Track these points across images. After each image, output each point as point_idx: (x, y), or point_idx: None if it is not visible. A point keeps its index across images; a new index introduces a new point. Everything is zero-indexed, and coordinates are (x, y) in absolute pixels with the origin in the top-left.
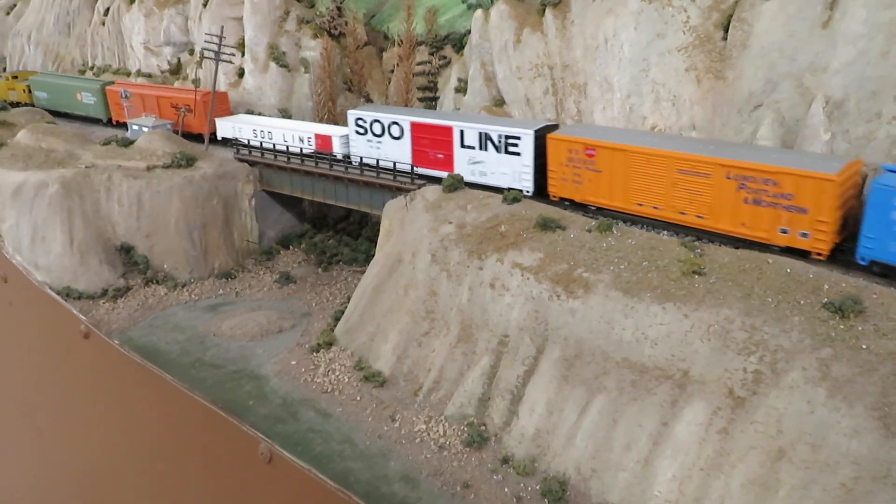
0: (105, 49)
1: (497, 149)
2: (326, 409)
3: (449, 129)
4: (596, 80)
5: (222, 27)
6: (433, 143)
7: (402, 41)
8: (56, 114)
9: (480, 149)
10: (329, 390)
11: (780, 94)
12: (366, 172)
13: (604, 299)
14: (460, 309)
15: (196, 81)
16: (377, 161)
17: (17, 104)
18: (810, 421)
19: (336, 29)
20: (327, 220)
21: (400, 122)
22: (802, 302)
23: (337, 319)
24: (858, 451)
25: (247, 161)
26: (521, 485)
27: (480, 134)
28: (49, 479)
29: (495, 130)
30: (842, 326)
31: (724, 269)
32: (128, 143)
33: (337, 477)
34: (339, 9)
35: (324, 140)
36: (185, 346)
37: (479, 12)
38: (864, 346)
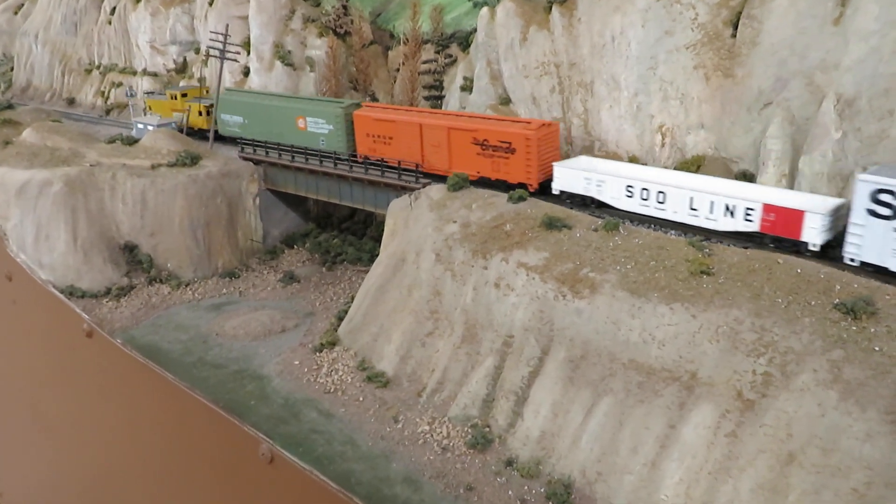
0: (111, 48)
1: None
2: (329, 409)
3: None
4: (603, 79)
5: (227, 26)
6: None
7: (407, 39)
8: (258, 145)
9: None
10: (332, 391)
11: (790, 93)
12: (370, 171)
13: (610, 299)
14: (465, 309)
15: (202, 80)
16: None
17: (189, 131)
18: (821, 424)
19: (342, 28)
20: (332, 219)
21: None
22: (813, 303)
23: (340, 319)
24: (871, 455)
25: (251, 160)
26: (526, 487)
27: None
28: (53, 476)
29: None
30: (854, 328)
31: (732, 269)
32: (133, 141)
33: (339, 478)
34: (344, 7)
35: (785, 217)
36: (187, 345)
37: (485, 10)
38: (876, 349)
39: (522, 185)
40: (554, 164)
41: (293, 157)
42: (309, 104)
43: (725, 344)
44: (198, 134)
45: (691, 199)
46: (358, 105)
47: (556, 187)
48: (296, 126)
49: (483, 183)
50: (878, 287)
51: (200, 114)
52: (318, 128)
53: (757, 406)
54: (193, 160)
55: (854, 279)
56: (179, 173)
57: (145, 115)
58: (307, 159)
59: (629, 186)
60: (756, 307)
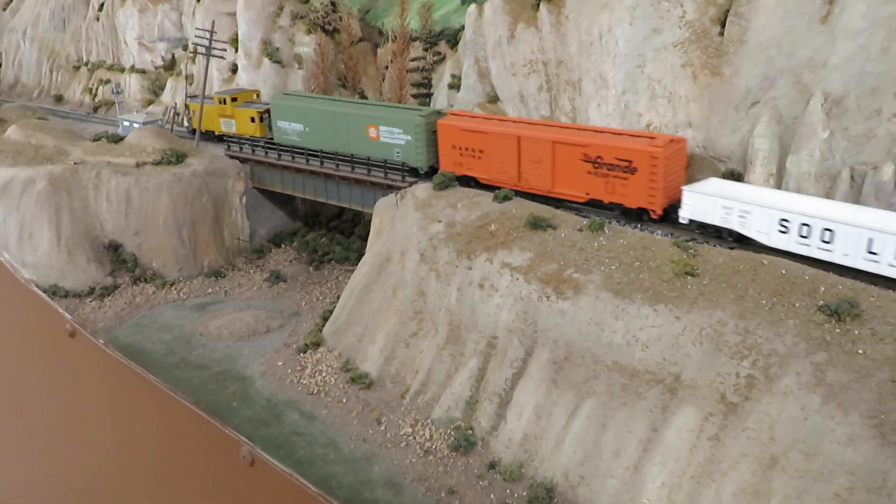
0: (100, 45)
1: None
2: (311, 411)
3: None
4: (590, 77)
5: (213, 22)
6: None
7: (396, 37)
8: (319, 155)
9: None
10: (315, 392)
11: (777, 91)
12: (356, 169)
13: (594, 300)
14: (449, 309)
15: (189, 77)
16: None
17: (238, 140)
18: (804, 428)
19: (330, 24)
20: (320, 217)
21: None
22: (798, 304)
23: (325, 319)
24: (854, 459)
25: (238, 158)
26: (508, 491)
27: None
28: (35, 476)
29: None
30: (838, 330)
31: (717, 270)
32: (118, 139)
33: (319, 481)
34: (333, 4)
35: None
36: (170, 345)
37: (472, 7)
38: (860, 351)
39: (643, 211)
40: (684, 188)
41: (279, 155)
42: (384, 111)
43: (709, 346)
44: (249, 142)
45: (870, 240)
46: (441, 113)
47: (685, 215)
48: (366, 135)
49: (594, 205)
50: (863, 289)
51: (253, 120)
52: (394, 138)
53: (740, 409)
54: (179, 158)
55: (839, 280)
56: (164, 171)
57: (186, 122)
58: (293, 157)
59: (784, 220)
60: (740, 309)
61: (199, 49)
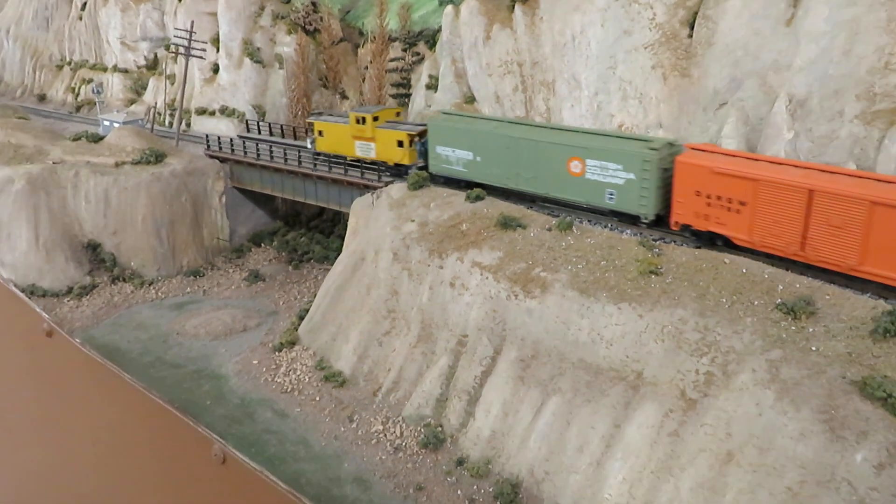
0: (82, 44)
1: None
2: (284, 409)
3: None
4: (564, 78)
5: (192, 22)
6: None
7: (375, 37)
8: (502, 193)
9: None
10: (289, 390)
11: (744, 93)
12: (333, 169)
13: (560, 299)
14: (421, 308)
15: (171, 77)
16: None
17: (380, 167)
18: (759, 424)
19: (311, 25)
20: (301, 217)
21: None
22: (756, 302)
23: (301, 318)
24: (804, 454)
25: (217, 157)
26: (475, 487)
27: None
28: (10, 475)
29: None
30: (793, 328)
31: (680, 268)
32: (98, 138)
33: (289, 478)
34: (314, 4)
35: None
36: (147, 344)
37: (449, 8)
38: (813, 348)
39: None
40: None
41: (258, 154)
42: (595, 140)
43: (670, 344)
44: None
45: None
46: (677, 147)
47: None
48: (565, 170)
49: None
50: (820, 287)
51: (401, 145)
52: (607, 176)
53: (699, 405)
54: (158, 158)
55: (798, 279)
56: (143, 171)
57: (309, 144)
58: (272, 157)
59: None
60: (701, 307)
61: (180, 49)
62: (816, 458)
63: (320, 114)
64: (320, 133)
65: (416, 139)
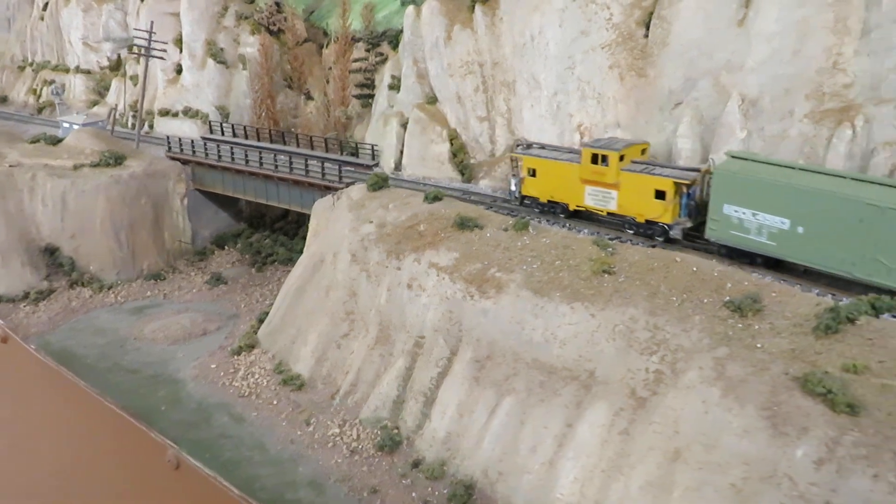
0: (44, 45)
1: None
2: (241, 413)
3: None
4: (524, 78)
5: (152, 22)
6: None
7: (338, 38)
8: (830, 278)
9: None
10: (246, 394)
11: (698, 92)
12: (294, 170)
13: (515, 299)
14: (379, 310)
15: (134, 78)
16: None
17: (622, 222)
18: (705, 421)
19: (275, 25)
20: (265, 219)
21: None
22: (706, 301)
23: (261, 321)
24: (748, 450)
25: (179, 159)
26: (430, 489)
27: None
28: None
29: None
30: (740, 325)
31: (633, 267)
32: (57, 141)
33: (243, 483)
34: (277, 4)
35: None
36: (104, 350)
37: (410, 8)
38: (758, 346)
39: None
40: None
41: (220, 156)
42: None
43: (621, 343)
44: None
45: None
46: None
47: None
48: None
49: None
50: (767, 284)
51: (661, 196)
52: None
53: (648, 404)
54: (117, 160)
55: (746, 277)
56: (102, 174)
57: (513, 187)
58: (233, 158)
59: None
60: (651, 306)
61: (141, 50)
62: (760, 455)
63: (529, 146)
64: (531, 172)
65: (685, 189)
